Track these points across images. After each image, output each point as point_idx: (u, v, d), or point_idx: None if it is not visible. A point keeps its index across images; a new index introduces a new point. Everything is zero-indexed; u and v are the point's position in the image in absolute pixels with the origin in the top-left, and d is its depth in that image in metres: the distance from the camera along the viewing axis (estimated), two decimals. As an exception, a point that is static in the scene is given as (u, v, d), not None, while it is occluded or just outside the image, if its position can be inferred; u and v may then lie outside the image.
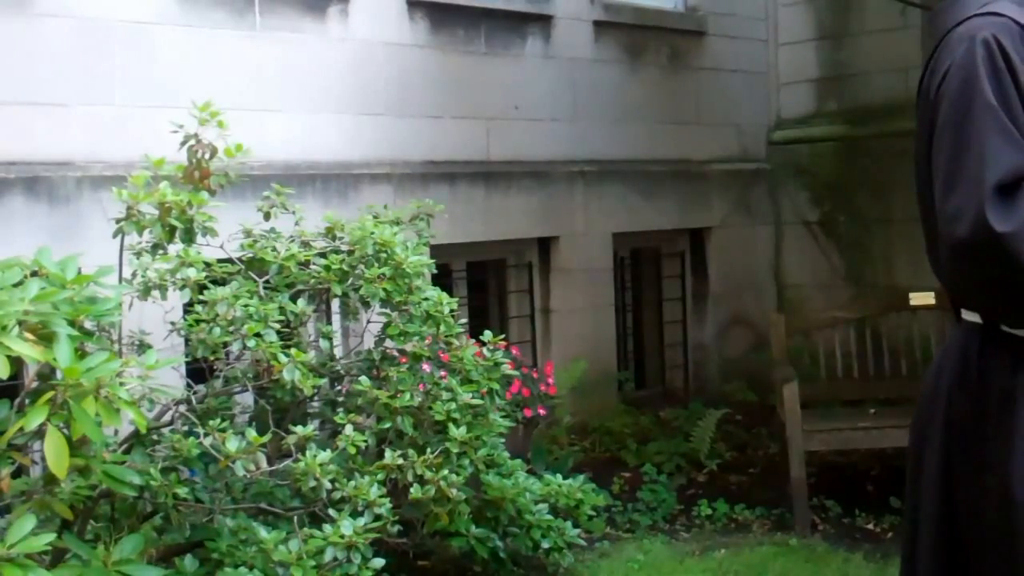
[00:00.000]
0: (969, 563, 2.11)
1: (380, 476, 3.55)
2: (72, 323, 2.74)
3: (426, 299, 3.91)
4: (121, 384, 2.64)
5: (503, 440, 4.21)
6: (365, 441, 3.56)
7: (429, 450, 3.69)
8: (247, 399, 4.15)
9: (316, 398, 3.96)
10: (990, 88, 1.96)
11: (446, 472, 3.63)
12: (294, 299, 3.73)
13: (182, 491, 3.23)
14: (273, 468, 3.39)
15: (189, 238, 3.56)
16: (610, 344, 6.57)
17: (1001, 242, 1.88)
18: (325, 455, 3.37)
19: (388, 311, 3.94)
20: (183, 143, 3.75)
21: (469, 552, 4.07)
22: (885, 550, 4.66)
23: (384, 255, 3.88)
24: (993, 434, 2.03)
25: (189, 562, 3.26)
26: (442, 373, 3.93)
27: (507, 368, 4.02)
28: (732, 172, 7.36)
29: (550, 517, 4.22)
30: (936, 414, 2.17)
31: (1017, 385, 2.01)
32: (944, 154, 2.02)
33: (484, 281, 6.38)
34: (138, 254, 3.64)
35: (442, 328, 3.91)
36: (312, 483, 3.33)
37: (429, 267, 3.99)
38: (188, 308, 3.62)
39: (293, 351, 3.44)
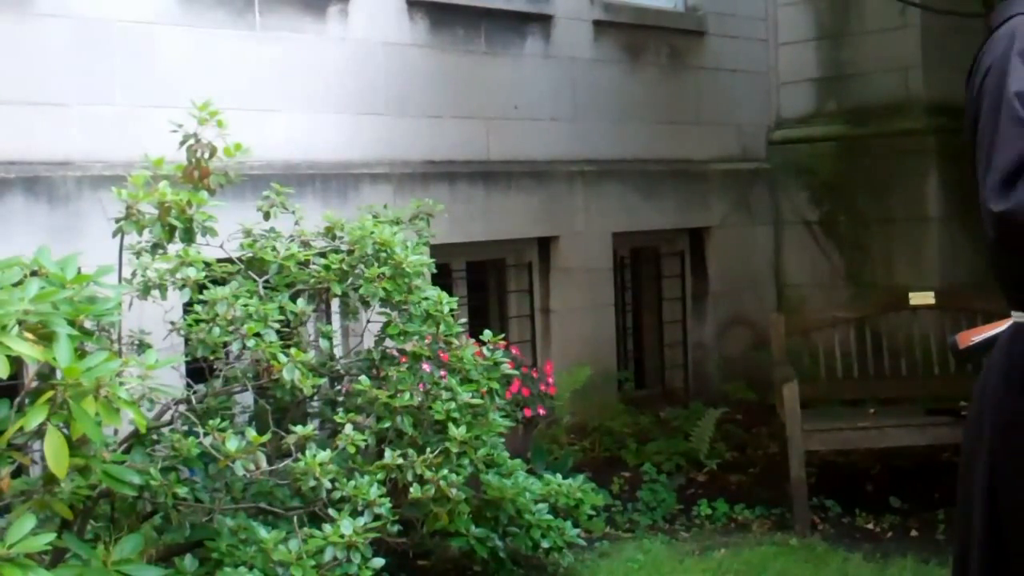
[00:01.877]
0: (1011, 564, 2.10)
1: (380, 476, 3.55)
2: (72, 323, 2.74)
3: (426, 299, 3.91)
4: (121, 384, 2.64)
5: (503, 440, 4.21)
6: (365, 441, 3.56)
7: (429, 450, 3.69)
8: (247, 399, 4.14)
9: (316, 398, 3.96)
10: (1016, 80, 2.07)
11: (446, 472, 3.63)
12: (294, 299, 3.73)
13: (182, 491, 3.23)
14: (273, 468, 3.39)
15: (189, 238, 3.56)
16: (610, 344, 6.56)
17: (999, 219, 2.01)
18: (325, 455, 3.37)
19: (388, 311, 3.94)
20: (182, 143, 3.75)
21: (469, 552, 4.07)
22: (885, 550, 4.66)
23: (384, 255, 3.88)
24: None
25: (189, 562, 3.25)
26: (442, 373, 3.93)
27: (507, 368, 4.02)
28: (732, 172, 7.36)
29: (550, 517, 4.22)
30: (984, 417, 2.18)
31: None
32: (982, 149, 2.14)
33: (484, 281, 6.38)
34: (138, 254, 3.64)
35: (442, 328, 3.91)
36: (312, 483, 3.33)
37: (429, 267, 3.99)
38: (188, 308, 3.62)
39: (293, 351, 3.44)
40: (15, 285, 2.74)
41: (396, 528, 3.55)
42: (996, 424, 2.14)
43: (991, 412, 2.16)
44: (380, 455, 3.65)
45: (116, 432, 3.41)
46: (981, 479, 2.16)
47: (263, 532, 3.34)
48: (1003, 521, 2.11)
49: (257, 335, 3.43)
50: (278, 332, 3.51)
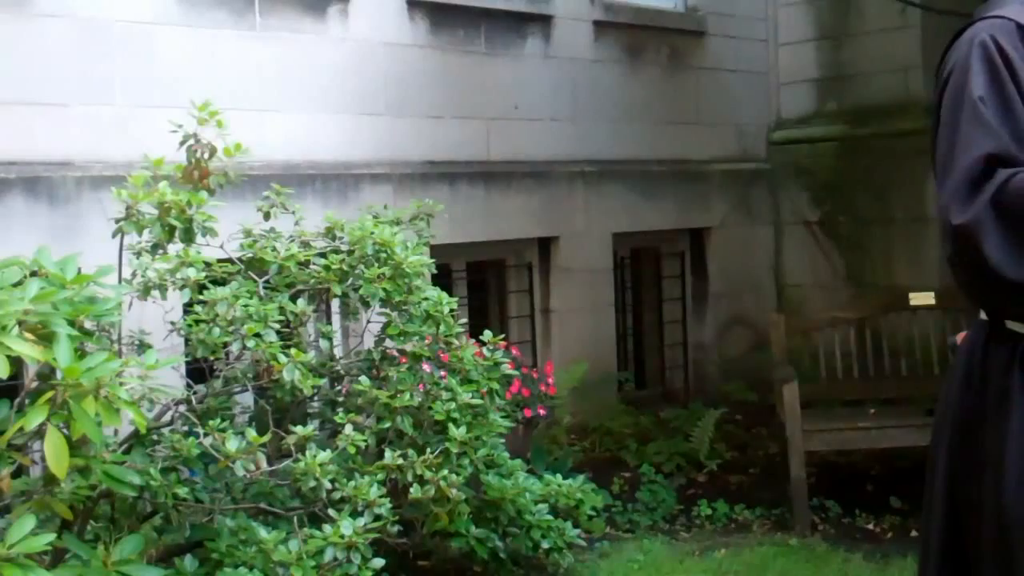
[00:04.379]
0: (970, 564, 2.11)
1: (380, 476, 3.55)
2: (72, 323, 2.74)
3: (426, 299, 3.91)
4: (121, 384, 2.64)
5: (503, 440, 4.21)
6: (365, 441, 3.56)
7: (429, 450, 3.69)
8: (247, 399, 4.14)
9: (316, 398, 3.96)
10: (978, 84, 2.01)
11: (446, 472, 3.63)
12: (294, 299, 3.73)
13: (182, 491, 3.23)
14: (273, 468, 3.39)
15: (189, 238, 3.56)
16: (610, 344, 6.56)
17: (957, 233, 1.96)
18: (325, 455, 3.37)
19: (388, 311, 3.94)
20: (182, 143, 3.75)
21: (469, 552, 4.07)
22: (885, 550, 4.66)
23: (384, 255, 3.88)
24: (991, 432, 2.05)
25: (189, 562, 3.26)
26: (442, 373, 3.93)
27: (507, 368, 4.02)
28: (732, 172, 7.36)
29: (550, 517, 4.22)
30: (947, 414, 2.19)
31: (1012, 383, 2.02)
32: (940, 152, 2.09)
33: (484, 281, 6.38)
34: (138, 254, 3.64)
35: (442, 328, 3.91)
36: (312, 483, 3.33)
37: (429, 267, 3.99)
38: (188, 308, 3.62)
39: (293, 351, 3.44)
40: (15, 285, 2.74)
41: (396, 528, 3.55)
42: (955, 425, 2.15)
43: (951, 413, 2.17)
44: (380, 455, 3.65)
45: (116, 432, 3.41)
46: (941, 481, 2.17)
47: (263, 532, 3.34)
48: (961, 524, 2.12)
49: (257, 335, 3.42)
50: (278, 332, 3.51)
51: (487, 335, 4.08)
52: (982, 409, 2.08)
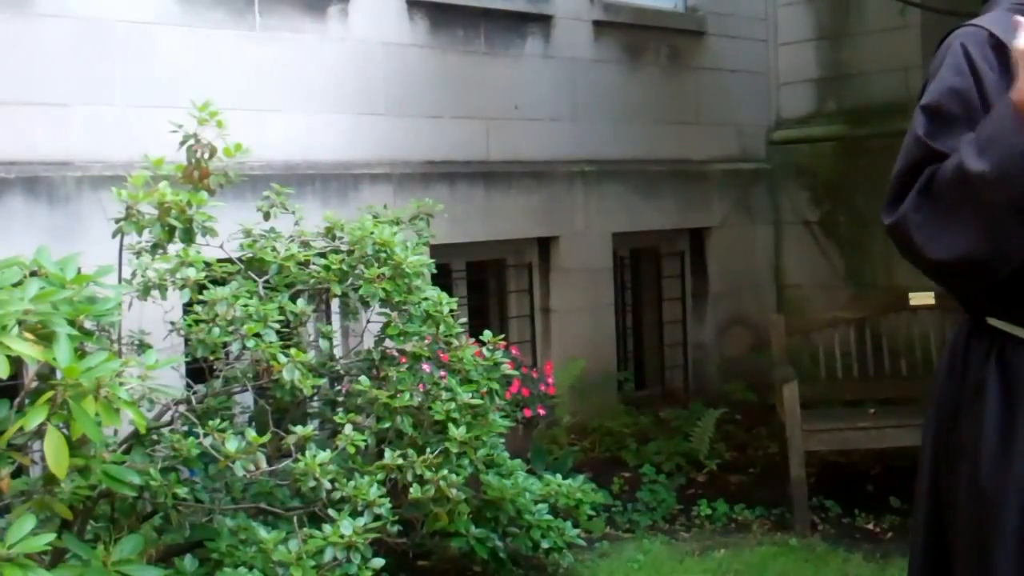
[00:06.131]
0: (948, 552, 2.14)
1: (380, 476, 3.55)
2: (72, 323, 2.74)
3: (426, 299, 3.91)
4: (121, 384, 2.64)
5: (503, 440, 4.21)
6: (365, 441, 3.56)
7: (429, 450, 3.69)
8: (247, 399, 4.14)
9: (316, 398, 3.96)
10: (930, 92, 2.07)
11: (446, 472, 3.63)
12: (294, 299, 3.73)
13: (182, 491, 3.23)
14: (273, 468, 3.39)
15: (189, 238, 3.56)
16: (610, 344, 6.56)
17: (889, 233, 2.04)
18: (325, 455, 3.37)
19: (388, 311, 3.94)
20: (182, 143, 3.75)
21: (469, 552, 4.08)
22: (885, 550, 4.66)
23: (384, 255, 3.88)
24: (968, 423, 2.09)
25: (189, 562, 3.25)
26: (442, 373, 3.92)
27: (507, 368, 4.02)
28: (732, 172, 7.36)
29: (550, 517, 4.22)
30: (932, 408, 2.24)
31: (988, 375, 2.07)
32: None
33: (484, 281, 6.38)
34: (138, 254, 3.64)
35: (442, 328, 3.91)
36: (312, 483, 3.33)
37: (429, 267, 3.98)
38: (188, 308, 3.62)
39: (293, 351, 3.44)
40: (15, 285, 2.73)
41: (396, 528, 3.55)
42: (938, 417, 2.20)
43: (935, 406, 2.21)
44: (380, 455, 3.65)
45: (116, 432, 3.41)
46: (925, 476, 2.22)
47: (263, 532, 3.34)
48: (944, 520, 2.15)
49: (257, 335, 3.42)
50: (278, 332, 3.51)
51: (487, 335, 4.08)
52: (960, 400, 2.14)
